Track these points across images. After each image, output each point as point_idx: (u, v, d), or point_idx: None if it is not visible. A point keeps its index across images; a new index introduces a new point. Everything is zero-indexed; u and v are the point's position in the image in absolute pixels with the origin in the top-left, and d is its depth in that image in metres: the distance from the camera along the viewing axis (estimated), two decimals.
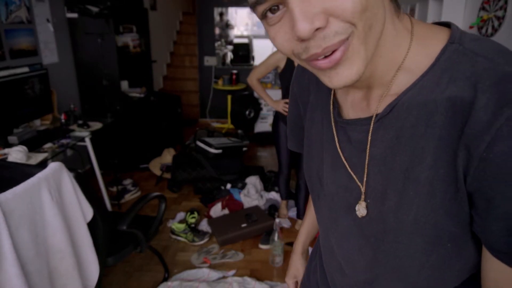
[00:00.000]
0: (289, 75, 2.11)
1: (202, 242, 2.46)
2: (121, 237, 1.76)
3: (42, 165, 1.32)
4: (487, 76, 0.39)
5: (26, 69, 2.59)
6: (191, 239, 2.46)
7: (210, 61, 5.44)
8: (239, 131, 4.74)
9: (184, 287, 2.01)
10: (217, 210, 2.81)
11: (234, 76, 5.08)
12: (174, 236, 2.52)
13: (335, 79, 0.41)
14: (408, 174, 0.46)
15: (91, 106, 3.43)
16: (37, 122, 2.58)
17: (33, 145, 2.16)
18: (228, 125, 5.09)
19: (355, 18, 0.37)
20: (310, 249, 1.05)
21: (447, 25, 0.48)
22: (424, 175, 0.44)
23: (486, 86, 0.39)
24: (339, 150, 0.55)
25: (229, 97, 4.98)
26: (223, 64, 5.72)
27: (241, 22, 12.01)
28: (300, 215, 2.60)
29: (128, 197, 3.06)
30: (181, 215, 2.80)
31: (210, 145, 3.24)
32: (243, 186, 3.06)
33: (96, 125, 2.72)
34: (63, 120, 2.65)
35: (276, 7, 0.40)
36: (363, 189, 0.52)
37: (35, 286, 1.14)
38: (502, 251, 0.42)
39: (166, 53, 5.46)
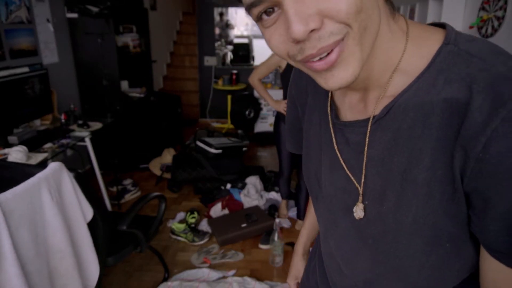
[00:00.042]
0: (291, 75, 2.11)
1: (202, 242, 2.46)
2: (121, 237, 1.76)
3: (42, 165, 1.32)
4: (482, 77, 0.40)
5: (26, 69, 2.59)
6: (191, 239, 2.46)
7: (210, 61, 5.44)
8: (239, 131, 4.74)
9: (184, 287, 2.01)
10: (217, 210, 2.81)
11: (234, 76, 5.08)
12: (174, 236, 2.52)
13: (331, 81, 0.42)
14: (406, 176, 0.46)
15: (91, 106, 3.43)
16: (37, 122, 2.58)
17: (33, 145, 2.16)
18: (228, 125, 5.09)
19: (350, 19, 0.37)
20: (311, 250, 1.06)
21: (442, 26, 0.48)
22: (422, 176, 0.44)
23: (481, 87, 0.39)
24: (337, 152, 0.55)
25: (229, 97, 4.98)
26: (223, 64, 5.73)
27: (241, 22, 12.01)
28: (301, 215, 2.60)
29: (128, 197, 3.06)
30: (181, 215, 2.80)
31: (210, 145, 3.25)
32: (243, 186, 3.06)
33: (96, 125, 2.72)
34: (63, 120, 2.65)
35: (271, 9, 0.40)
36: (361, 191, 0.52)
37: (35, 286, 1.14)
38: (499, 251, 0.42)
39: (166, 53, 5.46)
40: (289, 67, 2.19)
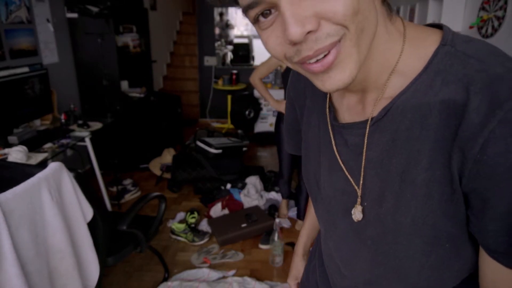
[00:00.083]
0: None
1: (202, 242, 2.46)
2: (121, 237, 1.76)
3: (42, 165, 1.32)
4: (478, 78, 0.40)
5: (26, 69, 2.59)
6: (191, 239, 2.46)
7: (210, 61, 5.44)
8: (239, 131, 4.74)
9: (184, 287, 2.01)
10: (217, 210, 2.81)
11: (234, 76, 5.08)
12: (174, 236, 2.52)
13: (328, 82, 0.41)
14: (404, 177, 0.46)
15: (91, 106, 3.43)
16: (37, 122, 2.58)
17: (33, 145, 2.16)
18: (228, 125, 5.09)
19: (347, 21, 0.37)
20: (311, 250, 1.06)
21: (439, 26, 0.48)
22: (421, 177, 0.44)
23: (478, 88, 0.39)
24: (336, 153, 0.55)
25: (229, 97, 4.98)
26: (223, 64, 5.73)
27: (241, 22, 12.01)
28: (301, 215, 2.60)
29: (128, 197, 3.06)
30: (181, 215, 2.80)
31: (210, 145, 3.25)
32: (243, 186, 3.06)
33: (96, 125, 2.72)
34: (63, 120, 2.65)
35: (268, 11, 0.40)
36: (359, 193, 0.52)
37: (35, 286, 1.14)
38: (498, 251, 0.42)
39: (166, 53, 5.46)
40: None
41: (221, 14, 6.27)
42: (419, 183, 0.45)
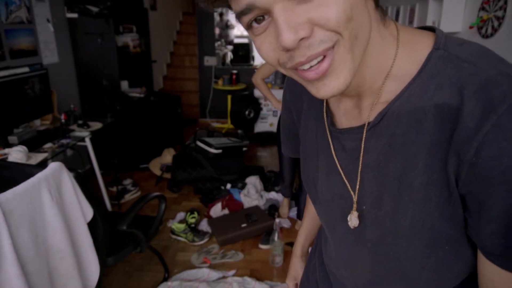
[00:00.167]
0: None
1: (202, 242, 2.46)
2: (121, 237, 1.76)
3: (42, 165, 1.32)
4: (472, 82, 0.40)
5: (26, 69, 2.59)
6: (191, 239, 2.46)
7: (210, 61, 5.44)
8: (239, 131, 4.74)
9: (184, 287, 2.01)
10: (217, 210, 2.81)
11: (234, 76, 5.07)
12: (174, 236, 2.52)
13: (322, 90, 0.42)
14: (402, 180, 0.46)
15: (91, 106, 3.43)
16: (37, 122, 2.58)
17: (33, 145, 2.16)
18: (228, 125, 5.09)
19: (340, 28, 0.37)
20: (310, 249, 1.06)
21: (431, 29, 0.48)
22: (418, 181, 0.45)
23: (472, 92, 0.39)
24: (335, 158, 0.55)
25: (229, 97, 4.98)
26: (223, 64, 5.72)
27: None
28: (301, 215, 2.60)
29: (128, 197, 3.06)
30: (181, 215, 2.80)
31: (210, 145, 3.24)
32: (243, 186, 3.06)
33: (96, 125, 2.72)
34: (63, 120, 2.65)
35: (261, 17, 0.40)
36: (355, 199, 0.53)
37: (35, 286, 1.14)
38: (494, 254, 0.43)
39: (166, 53, 5.46)
40: None
41: (221, 14, 6.26)
42: (416, 186, 0.45)
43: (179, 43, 5.70)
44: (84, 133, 2.53)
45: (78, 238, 1.34)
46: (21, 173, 1.22)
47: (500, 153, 0.37)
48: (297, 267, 0.93)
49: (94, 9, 3.05)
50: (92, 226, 1.40)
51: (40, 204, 1.16)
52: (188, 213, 2.66)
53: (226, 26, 6.49)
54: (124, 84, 3.59)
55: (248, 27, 0.41)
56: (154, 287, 2.06)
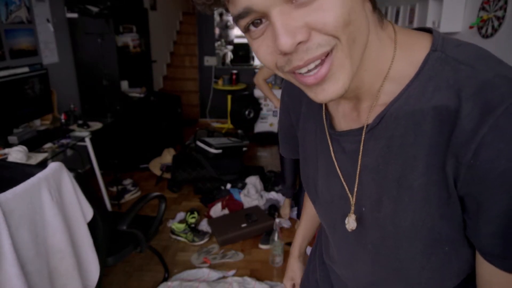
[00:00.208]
0: None
1: (202, 242, 2.46)
2: (121, 237, 1.76)
3: (42, 165, 1.32)
4: (469, 84, 0.40)
5: (26, 69, 2.59)
6: (191, 239, 2.46)
7: (210, 61, 5.44)
8: (239, 131, 4.74)
9: (184, 287, 2.01)
10: (217, 210, 2.81)
11: (234, 76, 5.08)
12: (174, 236, 2.52)
13: (321, 94, 0.42)
14: (401, 182, 0.46)
15: (91, 106, 3.43)
16: (37, 122, 2.58)
17: (33, 145, 2.16)
18: (228, 125, 5.09)
19: (338, 32, 0.37)
20: (310, 249, 1.06)
21: (428, 30, 0.48)
22: (418, 182, 0.45)
23: (469, 94, 0.40)
24: (334, 160, 0.55)
25: (229, 97, 4.98)
26: (223, 64, 5.72)
27: None
28: (300, 215, 2.60)
29: (128, 197, 3.06)
30: (181, 215, 2.80)
31: (210, 145, 3.24)
32: (243, 186, 3.06)
33: (96, 125, 2.72)
34: (63, 120, 2.65)
35: (258, 21, 0.40)
36: (352, 201, 0.53)
37: (35, 286, 1.14)
38: (492, 254, 0.43)
39: (166, 53, 5.47)
40: None
41: (221, 15, 6.26)
42: (416, 187, 0.45)
43: (179, 43, 5.70)
44: (84, 133, 2.53)
45: (78, 238, 1.34)
46: (21, 173, 1.22)
47: (497, 155, 0.38)
48: (294, 267, 0.93)
49: (94, 9, 3.05)
50: (92, 226, 1.40)
51: (40, 204, 1.16)
52: (188, 213, 2.66)
53: (226, 26, 6.49)
54: (124, 84, 3.59)
55: (246, 30, 0.41)
56: (154, 287, 2.06)
